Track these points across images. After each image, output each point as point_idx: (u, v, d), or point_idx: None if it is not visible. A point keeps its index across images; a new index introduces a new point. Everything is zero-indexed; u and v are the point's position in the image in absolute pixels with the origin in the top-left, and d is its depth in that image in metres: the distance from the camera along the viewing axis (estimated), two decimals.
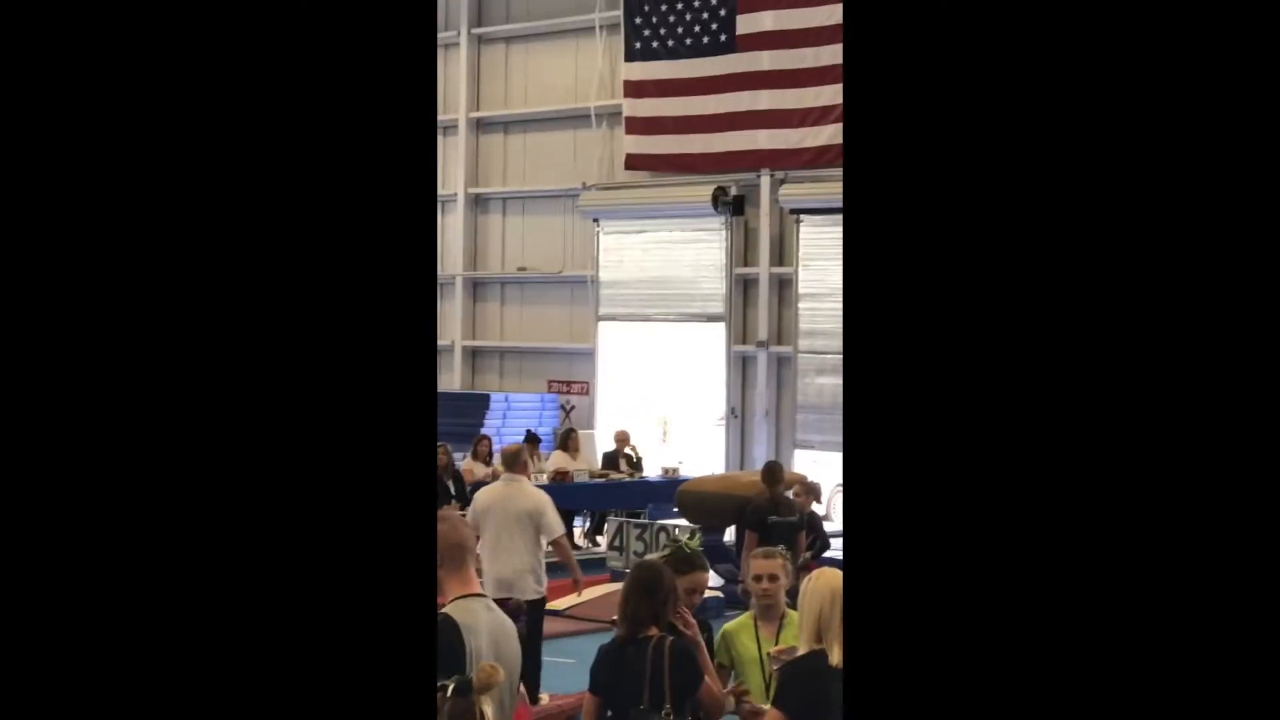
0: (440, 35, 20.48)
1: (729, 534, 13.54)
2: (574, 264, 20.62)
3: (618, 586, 5.50)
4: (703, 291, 19.46)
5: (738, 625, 5.60)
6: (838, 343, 17.65)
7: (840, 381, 17.46)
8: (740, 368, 19.21)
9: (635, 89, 19.54)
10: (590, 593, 12.31)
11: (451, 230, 21.50)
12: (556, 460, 16.26)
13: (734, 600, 11.27)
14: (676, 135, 19.16)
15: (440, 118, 20.06)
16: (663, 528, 14.49)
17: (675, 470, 17.11)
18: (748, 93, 18.45)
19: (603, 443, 18.38)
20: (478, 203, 21.86)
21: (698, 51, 18.92)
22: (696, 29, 18.97)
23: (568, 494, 14.32)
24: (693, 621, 5.11)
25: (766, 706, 4.79)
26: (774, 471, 11.18)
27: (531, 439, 16.48)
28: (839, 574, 4.59)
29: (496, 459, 15.43)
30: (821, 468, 16.49)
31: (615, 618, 5.14)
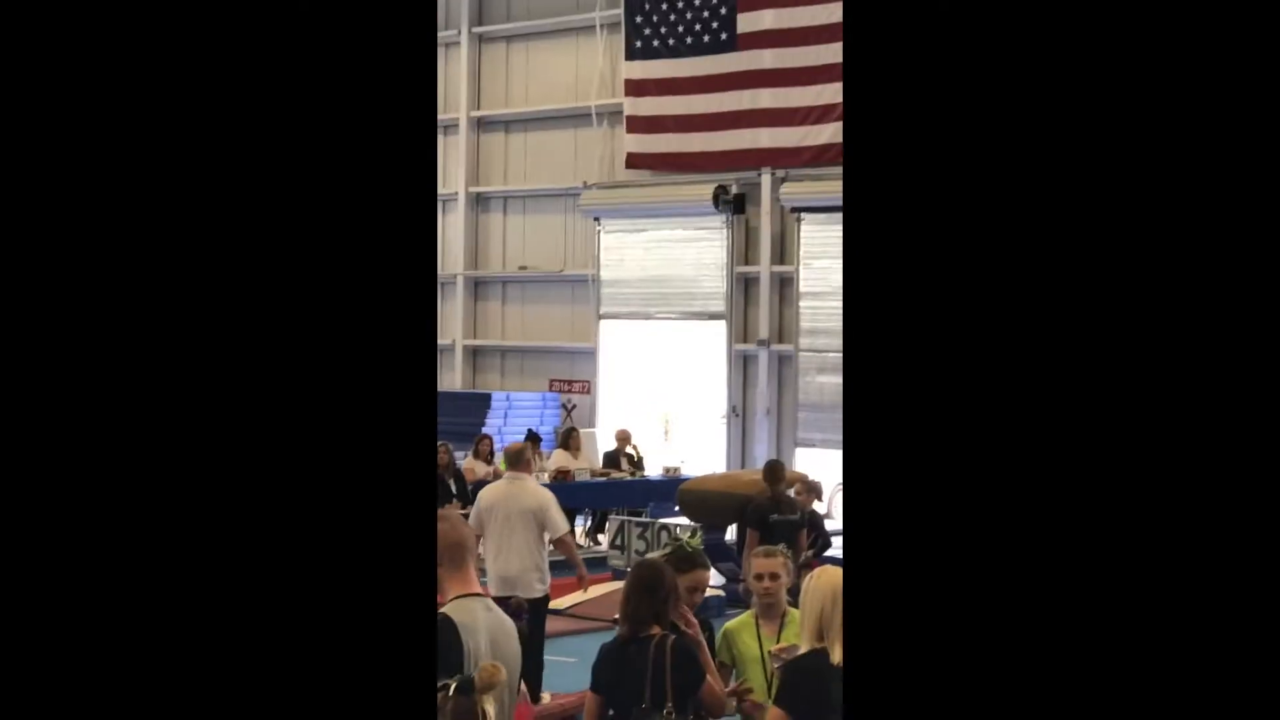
0: (441, 34, 20.49)
1: (730, 532, 13.55)
2: (575, 263, 20.63)
3: (619, 585, 5.51)
4: (704, 290, 19.47)
5: (739, 624, 5.60)
6: (839, 341, 17.63)
7: (841, 380, 17.54)
8: (741, 366, 19.21)
9: (636, 88, 19.54)
10: (592, 591, 12.31)
11: (452, 229, 21.51)
12: (558, 459, 16.27)
13: (735, 599, 11.27)
14: (677, 134, 19.16)
15: (441, 117, 20.07)
16: (664, 526, 14.49)
17: (676, 469, 17.11)
18: (748, 91, 18.45)
19: (604, 441, 18.38)
20: (479, 202, 21.86)
21: (698, 50, 18.92)
22: (697, 28, 18.96)
23: (569, 493, 14.32)
24: (694, 621, 5.11)
25: (769, 704, 4.79)
26: (775, 470, 11.18)
27: (532, 438, 16.47)
28: (840, 572, 4.59)
29: (498, 458, 15.45)
30: (823, 466, 16.49)
31: (617, 616, 5.14)
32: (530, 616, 8.39)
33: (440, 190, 20.57)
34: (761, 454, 17.39)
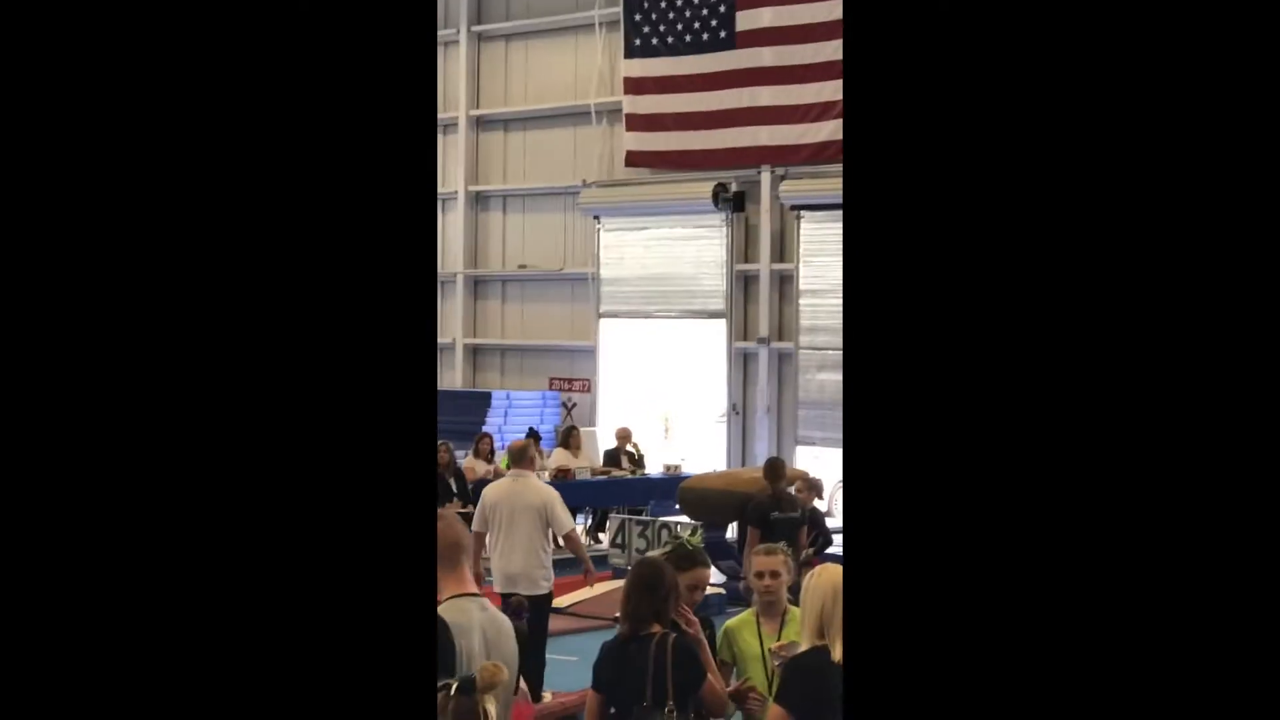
0: (440, 33, 20.48)
1: (731, 530, 13.55)
2: (575, 261, 20.62)
3: (620, 584, 5.50)
4: (704, 288, 19.46)
5: (740, 622, 5.60)
6: (839, 339, 17.63)
7: (841, 377, 17.54)
8: (741, 364, 19.21)
9: (635, 86, 19.53)
10: (592, 590, 12.32)
11: (452, 228, 21.50)
12: (558, 458, 16.26)
13: (736, 597, 11.27)
14: (677, 132, 19.15)
15: (440, 116, 20.06)
16: (665, 525, 14.50)
17: (677, 467, 17.10)
18: (748, 89, 18.44)
19: (604, 440, 18.38)
20: (478, 200, 21.86)
21: (698, 48, 18.91)
22: (696, 25, 18.96)
23: (569, 491, 14.28)
24: (694, 620, 5.11)
25: (769, 702, 4.79)
26: (776, 468, 11.18)
27: (533, 436, 16.47)
28: (841, 570, 4.59)
29: (498, 457, 15.44)
30: (823, 464, 16.50)
31: (617, 615, 5.14)
32: (533, 614, 8.41)
33: (439, 189, 20.56)
34: (762, 452, 17.39)
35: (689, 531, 10.48)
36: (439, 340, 20.18)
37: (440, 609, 4.09)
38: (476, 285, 21.95)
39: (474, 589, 4.33)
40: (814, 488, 12.39)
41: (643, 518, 15.28)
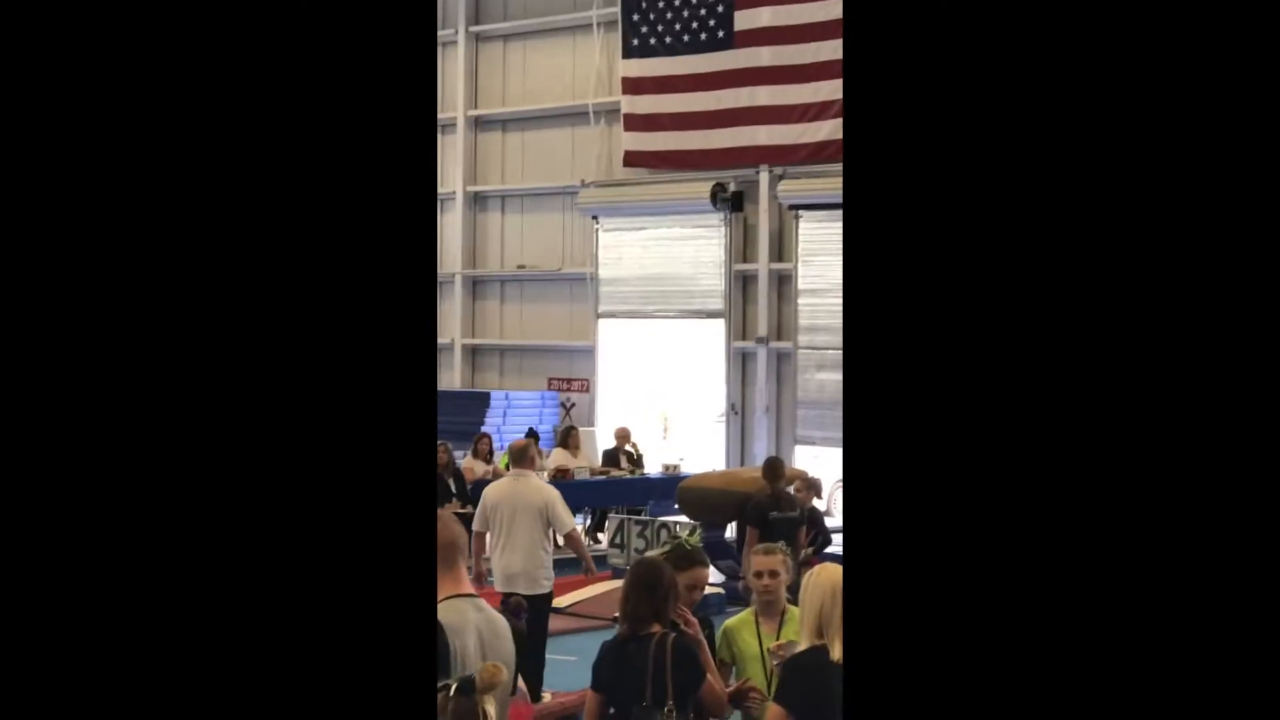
0: (438, 33, 20.47)
1: (730, 530, 13.55)
2: (573, 261, 20.62)
3: (619, 583, 5.51)
4: (702, 288, 19.46)
5: (739, 621, 5.60)
6: (838, 338, 17.65)
7: (840, 377, 17.52)
8: (740, 364, 19.21)
9: (633, 86, 19.53)
10: (592, 590, 12.33)
11: (450, 229, 21.50)
12: (557, 458, 16.26)
13: (735, 596, 11.28)
14: (675, 132, 19.15)
15: (438, 116, 20.05)
16: (664, 524, 14.50)
17: (676, 467, 17.11)
18: (746, 89, 18.44)
19: (603, 440, 18.39)
20: (476, 201, 21.85)
21: (695, 48, 18.91)
22: (694, 25, 18.96)
23: (568, 491, 14.27)
24: (694, 621, 5.11)
25: (769, 702, 4.79)
26: (775, 467, 11.18)
27: (531, 436, 16.47)
28: (840, 569, 4.60)
29: (497, 457, 15.45)
30: (822, 463, 16.50)
31: (616, 615, 5.14)
32: (533, 613, 8.42)
33: (438, 190, 20.56)
34: (761, 451, 17.39)
35: (687, 531, 10.50)
36: (438, 341, 20.18)
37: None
38: (475, 286, 21.95)
39: (469, 589, 4.33)
40: (813, 487, 12.40)
41: (642, 518, 15.29)
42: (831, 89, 17.48)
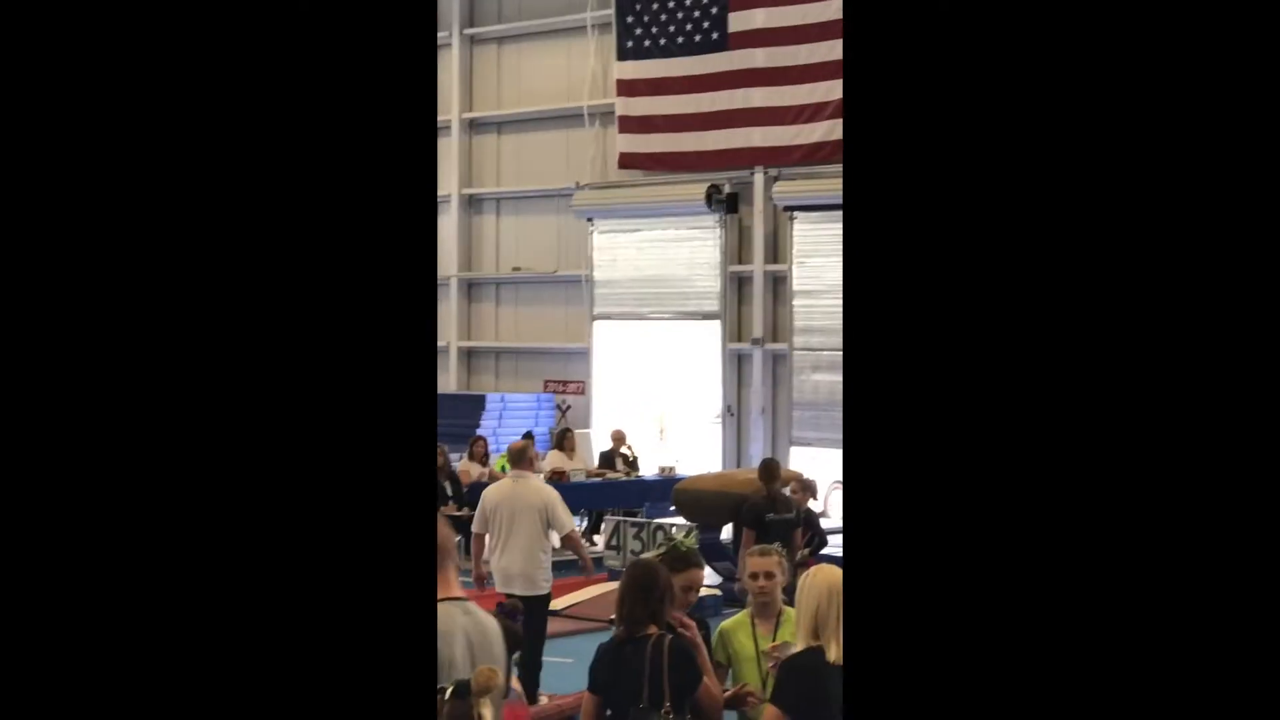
0: None
1: (726, 532, 13.55)
2: (568, 263, 20.62)
3: (615, 585, 5.50)
4: (697, 289, 19.46)
5: (735, 623, 5.60)
6: (833, 339, 17.68)
7: (836, 378, 17.58)
8: (736, 365, 19.20)
9: (628, 88, 19.53)
10: (588, 592, 12.32)
11: (445, 231, 21.48)
12: (553, 460, 16.25)
13: (731, 598, 11.27)
14: (669, 134, 19.15)
15: None
16: (660, 526, 14.49)
17: (672, 469, 17.10)
18: (740, 90, 18.44)
19: (599, 442, 18.38)
20: (471, 203, 21.85)
21: (690, 50, 18.91)
22: (688, 27, 18.96)
23: (565, 494, 14.26)
24: (691, 623, 5.11)
25: (765, 703, 4.79)
26: (771, 469, 11.18)
27: (528, 439, 16.45)
28: (836, 570, 4.59)
29: (493, 459, 15.44)
30: (818, 464, 16.49)
31: (613, 617, 5.13)
32: (532, 615, 8.43)
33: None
34: (757, 453, 17.38)
35: (683, 533, 10.50)
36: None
37: None
38: (470, 288, 21.94)
39: (458, 593, 4.32)
40: (808, 489, 12.39)
41: (638, 520, 15.27)
42: (826, 90, 17.48)
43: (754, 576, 5.63)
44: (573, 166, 20.37)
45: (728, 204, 18.86)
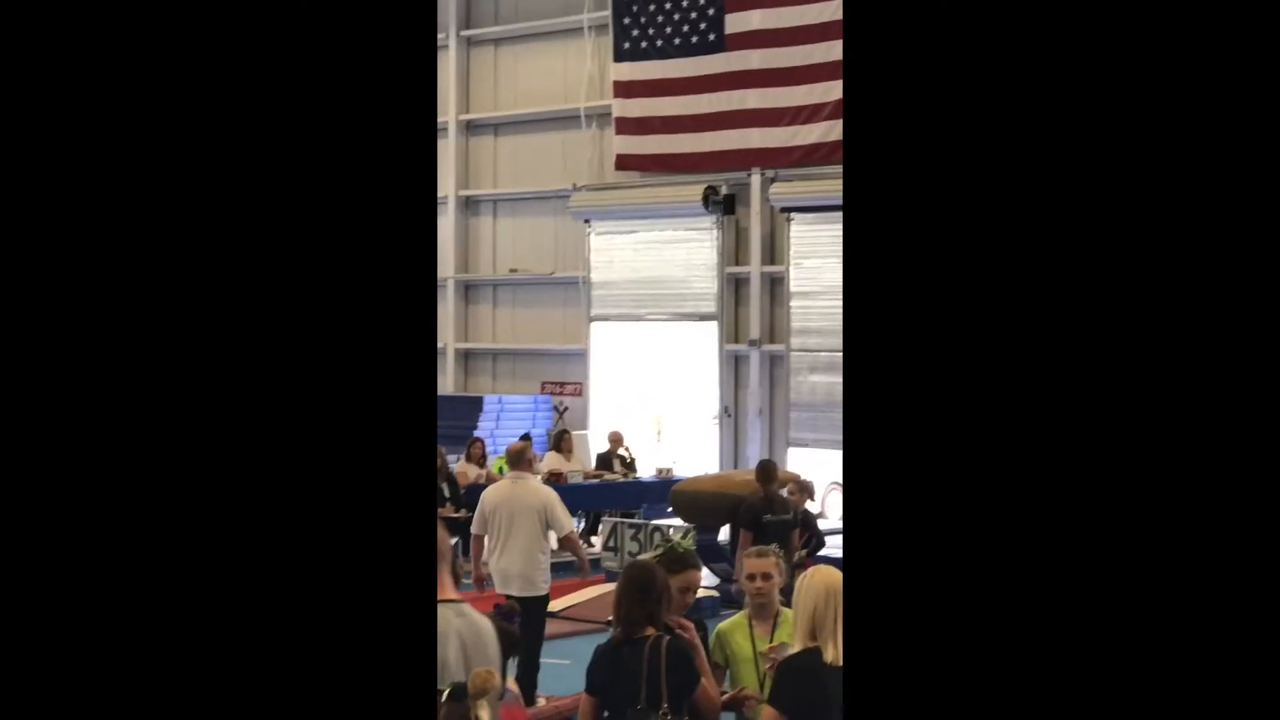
0: None
1: (724, 533, 13.55)
2: (565, 265, 20.62)
3: (612, 587, 5.50)
4: (694, 291, 19.46)
5: (732, 624, 5.60)
6: (830, 341, 17.69)
7: (833, 379, 17.60)
8: (733, 366, 19.20)
9: (625, 89, 19.53)
10: (586, 593, 12.32)
11: (442, 233, 21.47)
12: (550, 461, 16.25)
13: (729, 599, 11.27)
14: (666, 135, 19.15)
15: None
16: (657, 528, 14.49)
17: (669, 470, 17.10)
18: (737, 92, 18.44)
19: (596, 443, 18.37)
20: (468, 205, 21.85)
21: (687, 51, 18.91)
22: (685, 29, 18.96)
23: (562, 495, 14.29)
24: (689, 624, 5.11)
25: (762, 704, 4.79)
26: (768, 470, 11.19)
27: (525, 440, 16.44)
28: (834, 571, 4.60)
29: (490, 461, 15.43)
30: (815, 466, 16.49)
31: (610, 618, 5.13)
32: (530, 616, 8.44)
33: None
34: (754, 454, 17.38)
35: (680, 534, 10.50)
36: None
37: None
38: (467, 290, 21.95)
39: (452, 595, 4.32)
40: (806, 490, 12.39)
41: (635, 521, 15.27)
42: (823, 91, 17.49)
43: (751, 578, 5.63)
44: (570, 168, 20.38)
45: (725, 205, 18.86)
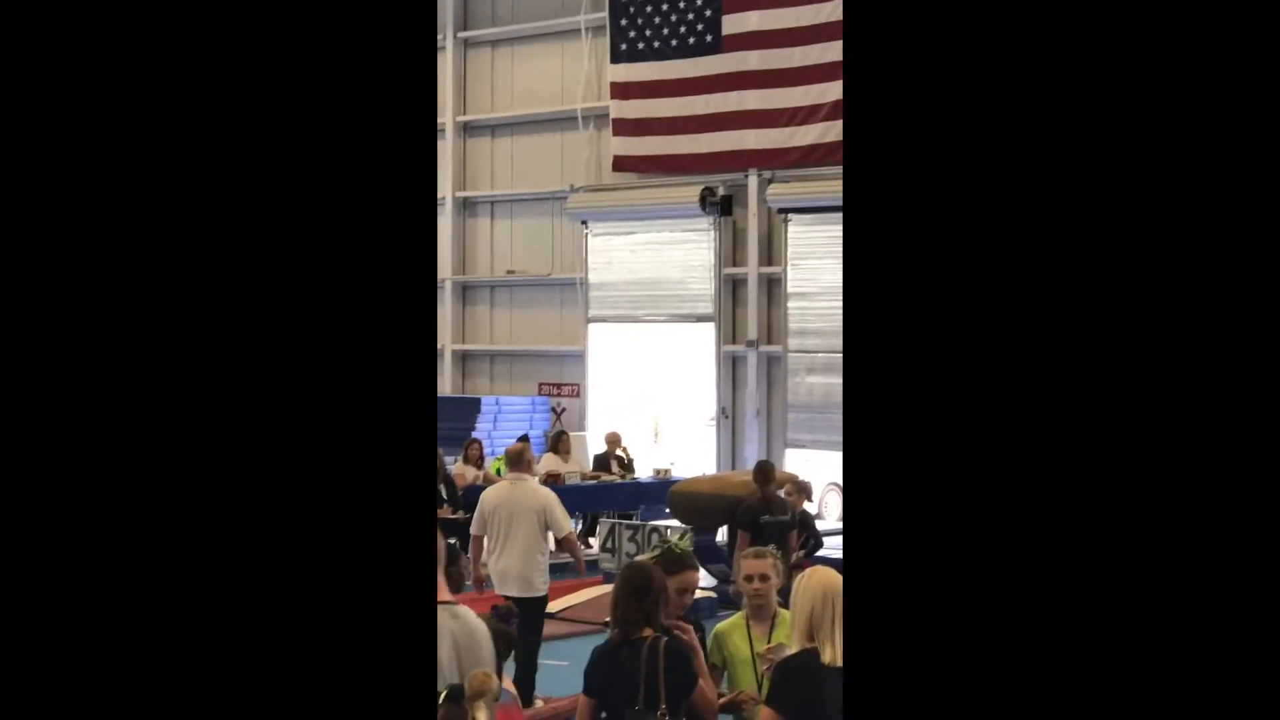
0: None
1: (721, 534, 13.55)
2: (563, 266, 20.62)
3: (610, 588, 5.50)
4: (691, 292, 19.46)
5: (730, 625, 5.59)
6: (827, 342, 17.70)
7: (830, 380, 17.60)
8: (730, 367, 19.20)
9: (622, 90, 19.53)
10: (583, 594, 12.32)
11: (440, 234, 21.47)
12: (547, 463, 16.25)
13: (727, 600, 11.27)
14: (663, 136, 19.15)
15: None
16: (655, 529, 14.49)
17: (667, 471, 17.10)
18: (734, 93, 18.44)
19: (594, 444, 18.37)
20: (466, 206, 21.85)
21: (684, 52, 18.91)
22: (682, 30, 18.96)
23: (560, 496, 14.30)
24: (689, 628, 5.11)
25: (760, 705, 4.79)
26: (765, 471, 11.19)
27: (523, 441, 16.44)
28: (831, 572, 4.60)
29: (488, 463, 15.43)
30: (813, 466, 16.49)
31: (608, 619, 5.13)
32: (528, 617, 8.45)
33: None
34: (751, 455, 17.38)
35: (678, 535, 10.50)
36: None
37: None
38: (465, 291, 21.94)
39: (446, 597, 4.32)
40: (803, 491, 12.39)
41: (633, 522, 15.28)
42: (820, 92, 17.49)
43: (748, 579, 5.63)
44: (567, 169, 20.38)
45: (722, 206, 18.86)
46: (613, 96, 19.62)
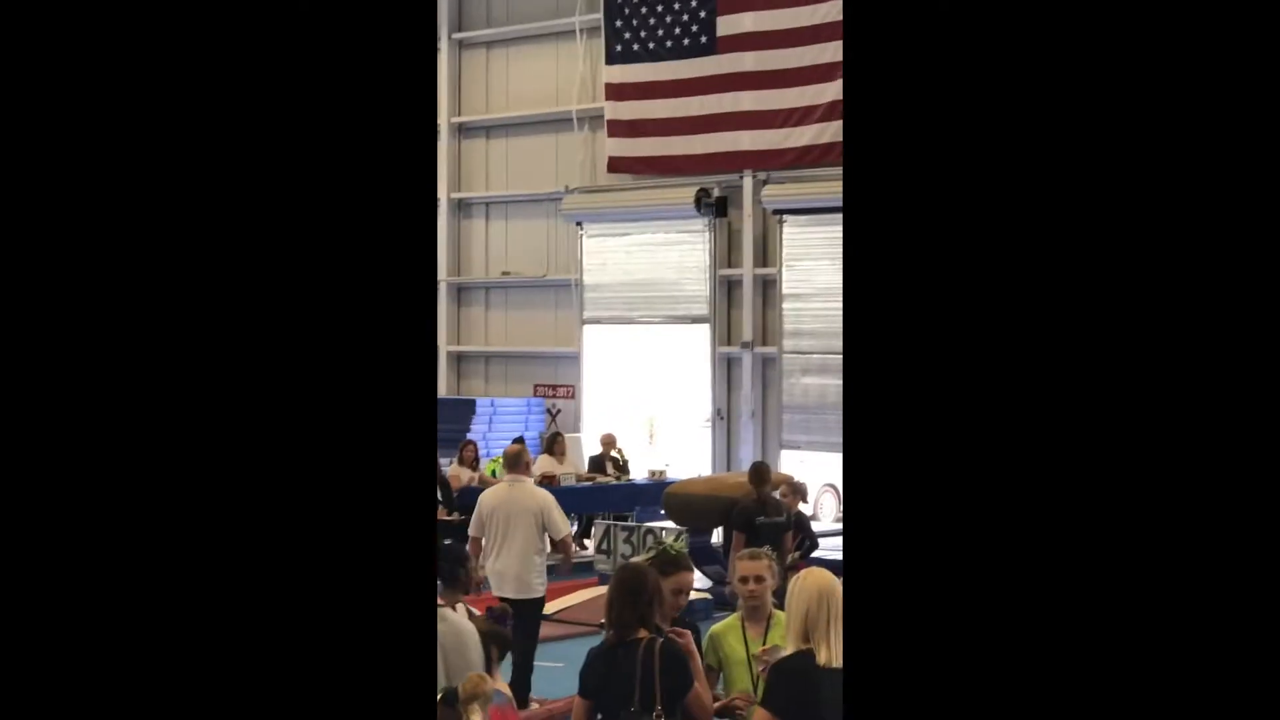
0: None
1: (716, 535, 13.55)
2: (558, 268, 20.63)
3: (605, 589, 5.50)
4: (687, 293, 19.47)
5: (725, 626, 5.59)
6: (822, 343, 17.71)
7: (826, 381, 17.61)
8: (725, 369, 19.22)
9: (616, 92, 19.54)
10: (579, 596, 12.33)
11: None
12: (543, 464, 16.24)
13: (722, 602, 11.27)
14: (658, 137, 19.16)
15: None
16: (650, 530, 14.49)
17: (662, 472, 17.10)
18: (729, 94, 18.46)
19: (589, 446, 18.38)
20: (460, 208, 21.85)
21: (679, 54, 18.93)
22: (677, 31, 18.97)
23: (555, 497, 14.30)
24: (686, 633, 5.10)
25: (755, 706, 4.79)
26: (761, 472, 11.18)
27: (519, 443, 16.44)
28: (827, 574, 4.60)
29: (483, 464, 15.43)
30: (808, 468, 16.50)
31: (603, 621, 5.13)
32: (524, 619, 8.45)
33: None
34: (747, 456, 17.39)
35: (673, 537, 10.50)
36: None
37: None
38: (460, 292, 21.94)
39: (440, 599, 4.32)
40: (799, 492, 12.39)
41: (628, 524, 15.27)
42: (815, 93, 17.51)
43: (744, 580, 5.63)
44: (562, 170, 20.39)
45: (717, 207, 18.87)
46: (608, 98, 19.63)
